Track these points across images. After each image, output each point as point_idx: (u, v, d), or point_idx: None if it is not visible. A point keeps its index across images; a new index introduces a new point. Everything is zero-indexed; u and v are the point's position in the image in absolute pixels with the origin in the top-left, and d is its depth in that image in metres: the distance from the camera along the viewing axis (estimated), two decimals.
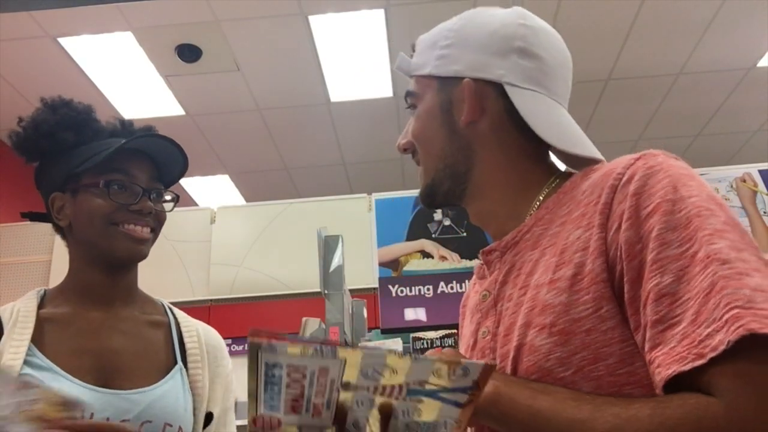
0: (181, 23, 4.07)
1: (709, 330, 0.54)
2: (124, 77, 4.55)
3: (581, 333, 0.66)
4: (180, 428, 1.03)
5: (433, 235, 3.73)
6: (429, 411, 0.63)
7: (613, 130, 5.75)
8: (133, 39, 4.17)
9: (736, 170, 3.86)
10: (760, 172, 3.82)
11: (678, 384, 0.56)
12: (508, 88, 0.80)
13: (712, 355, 0.53)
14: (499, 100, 0.81)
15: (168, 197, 1.17)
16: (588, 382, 0.65)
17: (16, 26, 3.92)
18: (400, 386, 0.60)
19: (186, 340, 1.14)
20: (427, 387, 0.60)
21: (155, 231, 1.14)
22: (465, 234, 3.71)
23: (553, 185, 0.81)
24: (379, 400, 0.61)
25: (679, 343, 0.56)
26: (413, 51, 0.90)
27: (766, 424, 0.51)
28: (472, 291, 0.92)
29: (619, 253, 0.64)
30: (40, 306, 1.09)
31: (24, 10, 3.73)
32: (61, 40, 4.13)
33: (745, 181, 3.80)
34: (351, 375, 0.59)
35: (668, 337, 0.58)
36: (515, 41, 0.81)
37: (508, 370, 0.72)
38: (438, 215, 3.82)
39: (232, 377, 1.18)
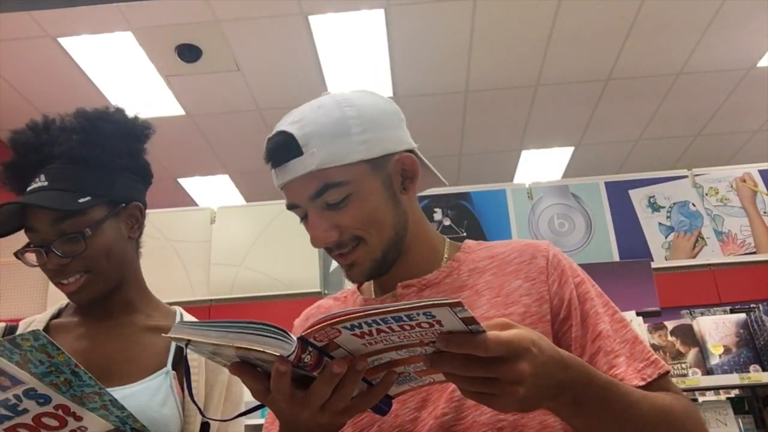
0: (181, 23, 4.07)
1: (643, 365, 0.87)
2: (124, 77, 4.55)
3: None
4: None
5: None
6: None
7: (613, 130, 5.75)
8: (133, 39, 4.17)
9: (736, 170, 3.86)
10: (760, 172, 3.82)
11: None
12: (417, 152, 0.95)
13: (650, 379, 0.85)
14: (417, 164, 0.94)
15: (71, 233, 1.06)
16: None
17: (16, 26, 3.92)
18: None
19: None
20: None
21: (91, 270, 1.08)
22: (465, 234, 3.71)
23: (447, 242, 1.00)
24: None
25: (627, 368, 0.86)
26: (299, 151, 0.86)
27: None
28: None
29: (564, 304, 0.89)
30: (56, 316, 1.17)
31: (24, 10, 3.73)
32: (61, 40, 4.13)
33: (745, 181, 3.80)
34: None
35: (617, 363, 0.86)
36: (399, 114, 0.96)
37: None
38: (438, 215, 3.82)
39: (240, 388, 1.15)
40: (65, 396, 0.75)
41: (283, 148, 0.88)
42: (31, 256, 1.09)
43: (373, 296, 0.99)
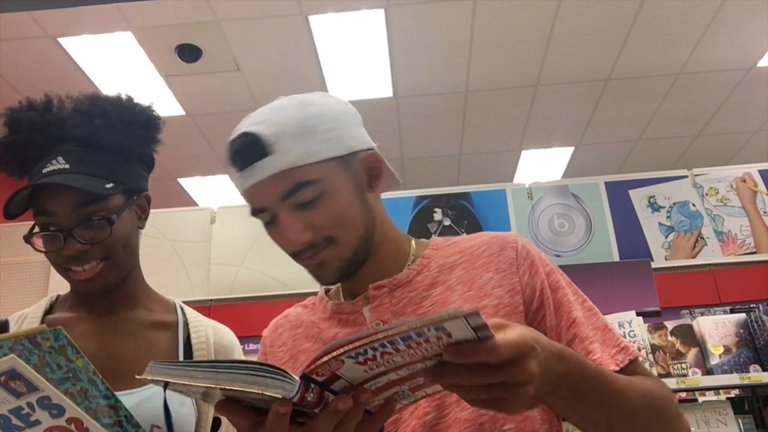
0: (181, 23, 4.07)
1: (615, 351, 0.89)
2: (124, 77, 4.56)
3: None
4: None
5: (433, 235, 3.73)
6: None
7: (613, 130, 5.75)
8: (133, 39, 4.17)
9: (736, 170, 3.86)
10: (760, 172, 3.82)
11: None
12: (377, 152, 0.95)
13: (622, 365, 0.87)
14: (382, 162, 0.94)
15: (96, 218, 1.02)
16: None
17: (16, 26, 3.92)
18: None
19: (194, 341, 1.12)
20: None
21: (109, 258, 1.04)
22: (465, 234, 3.71)
23: (413, 240, 1.00)
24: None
25: (603, 353, 0.87)
26: (266, 152, 0.84)
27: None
28: (313, 318, 0.99)
29: (536, 294, 0.90)
30: (50, 311, 1.10)
31: (24, 10, 3.73)
32: (61, 40, 4.13)
33: (745, 181, 3.80)
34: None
35: (593, 349, 0.87)
36: (357, 114, 0.96)
37: None
38: (438, 215, 3.82)
39: None
40: (80, 407, 0.72)
41: (251, 149, 0.85)
42: (39, 241, 1.04)
43: (343, 300, 0.97)
